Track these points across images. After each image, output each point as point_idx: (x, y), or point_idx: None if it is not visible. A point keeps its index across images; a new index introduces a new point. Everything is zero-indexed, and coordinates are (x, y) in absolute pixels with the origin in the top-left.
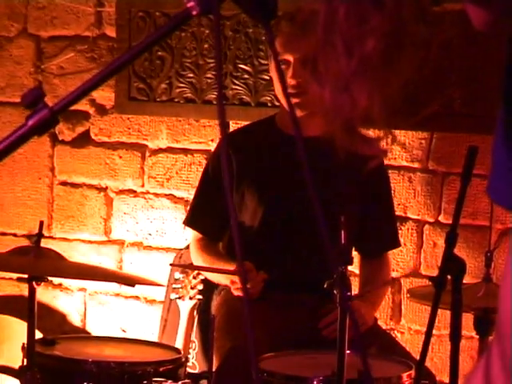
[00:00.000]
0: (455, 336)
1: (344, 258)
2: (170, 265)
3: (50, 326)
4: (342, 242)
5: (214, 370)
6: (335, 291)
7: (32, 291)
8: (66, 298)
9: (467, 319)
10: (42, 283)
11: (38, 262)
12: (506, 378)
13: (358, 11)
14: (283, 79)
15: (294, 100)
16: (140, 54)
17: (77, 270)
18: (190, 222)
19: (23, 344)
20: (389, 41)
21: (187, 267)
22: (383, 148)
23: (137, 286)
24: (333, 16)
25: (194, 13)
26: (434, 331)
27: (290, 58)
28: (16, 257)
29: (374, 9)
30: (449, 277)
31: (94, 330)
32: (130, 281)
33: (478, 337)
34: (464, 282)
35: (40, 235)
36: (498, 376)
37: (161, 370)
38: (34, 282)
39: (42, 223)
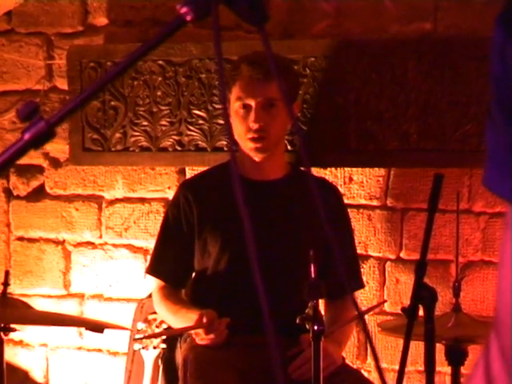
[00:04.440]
0: (430, 365)
1: (315, 292)
2: (134, 340)
3: (12, 383)
4: (312, 276)
5: None
6: (307, 326)
7: (0, 342)
8: (28, 355)
9: (437, 352)
10: (10, 333)
11: (5, 311)
12: (507, 374)
13: None
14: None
15: (255, 145)
16: (133, 63)
17: (45, 317)
18: (152, 270)
19: None
20: None
21: (150, 337)
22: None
23: (100, 338)
24: None
25: (189, 18)
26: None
27: (252, 102)
28: None
29: None
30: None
31: None
32: (98, 326)
33: (447, 370)
34: None
35: (6, 284)
36: (499, 373)
37: None
38: (1, 333)
39: (7, 272)
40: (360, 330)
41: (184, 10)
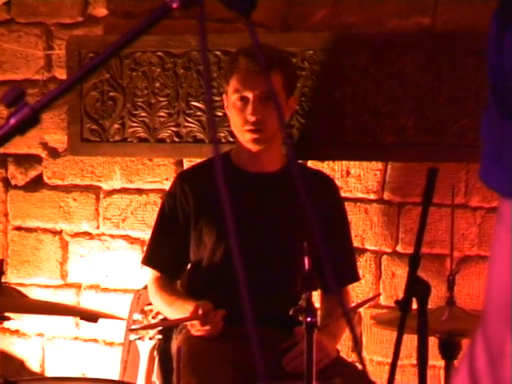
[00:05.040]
0: (422, 359)
1: (308, 284)
2: (129, 330)
3: (8, 372)
4: (306, 268)
5: None
6: (300, 318)
7: None
8: (24, 344)
9: (431, 346)
10: (4, 322)
11: (0, 299)
12: (492, 371)
13: None
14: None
15: (253, 136)
16: (121, 49)
17: (39, 306)
18: (147, 261)
19: None
20: None
21: (146, 328)
22: None
23: (96, 328)
24: None
25: (175, 6)
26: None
27: (250, 94)
28: None
29: None
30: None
31: (54, 375)
32: (92, 316)
33: (442, 364)
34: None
35: (1, 273)
36: (484, 370)
37: None
38: None
39: (2, 261)
40: (355, 323)
41: None
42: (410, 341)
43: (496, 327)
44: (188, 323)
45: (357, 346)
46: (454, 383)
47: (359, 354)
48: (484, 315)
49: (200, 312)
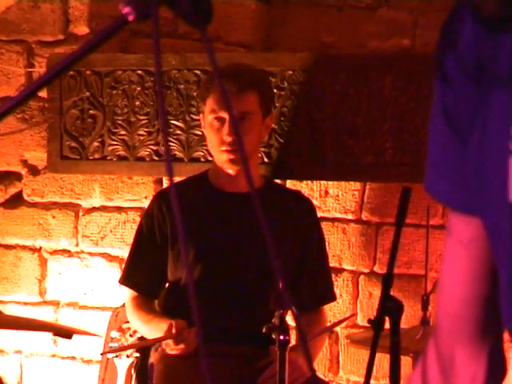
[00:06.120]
0: (394, 378)
1: (281, 302)
2: (101, 354)
3: None
4: (280, 286)
5: None
6: (273, 335)
7: None
8: (2, 361)
9: (405, 366)
10: None
11: None
12: (444, 381)
13: None
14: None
15: (230, 156)
16: (75, 61)
17: (13, 321)
18: (125, 280)
19: None
20: None
21: (122, 350)
22: None
23: (73, 345)
24: None
25: (131, 18)
26: (373, 381)
27: (226, 115)
28: None
29: None
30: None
31: None
32: (67, 332)
33: None
34: (401, 326)
35: None
36: (437, 380)
37: None
38: None
39: None
40: (332, 343)
41: (126, 10)
42: (387, 360)
43: (447, 338)
44: (163, 342)
45: (310, 365)
46: None
47: (313, 372)
48: (435, 327)
49: (173, 331)
